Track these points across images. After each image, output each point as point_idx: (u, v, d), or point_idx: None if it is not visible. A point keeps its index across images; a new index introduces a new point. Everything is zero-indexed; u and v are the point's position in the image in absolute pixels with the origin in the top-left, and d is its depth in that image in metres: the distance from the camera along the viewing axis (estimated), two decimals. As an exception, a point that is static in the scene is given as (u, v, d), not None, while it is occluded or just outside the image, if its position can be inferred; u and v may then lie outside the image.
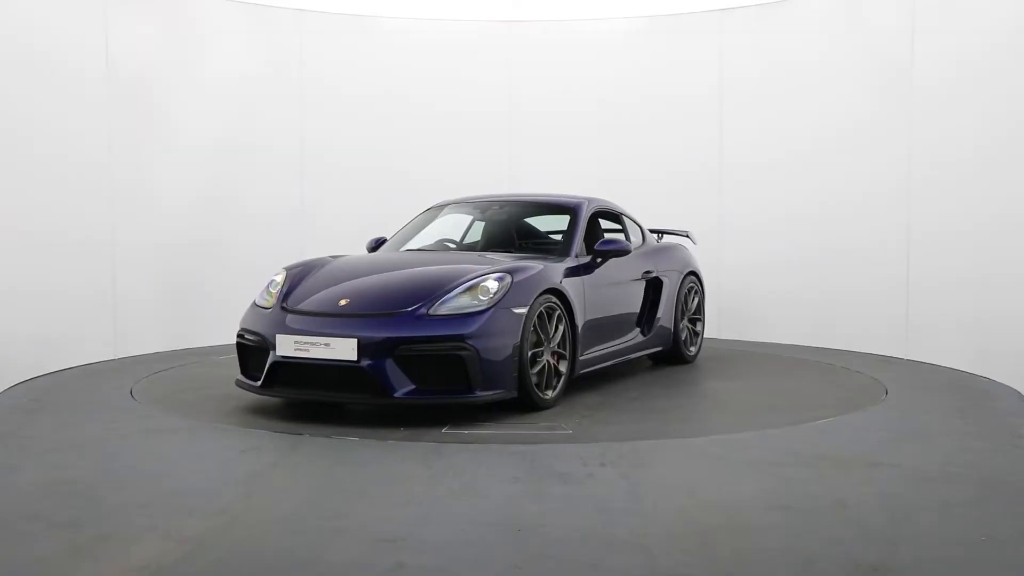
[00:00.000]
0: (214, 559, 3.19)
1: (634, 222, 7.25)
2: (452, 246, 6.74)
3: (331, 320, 5.30)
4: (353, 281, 5.70)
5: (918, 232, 7.69)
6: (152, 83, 8.09)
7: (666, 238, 7.76)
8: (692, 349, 7.44)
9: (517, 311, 5.28)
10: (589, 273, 6.14)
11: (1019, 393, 6.25)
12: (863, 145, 8.11)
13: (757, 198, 8.76)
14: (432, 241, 6.82)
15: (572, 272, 5.96)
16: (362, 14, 9.15)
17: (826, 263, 8.34)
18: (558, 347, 5.64)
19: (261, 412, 5.50)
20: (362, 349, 5.08)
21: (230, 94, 8.61)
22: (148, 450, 4.69)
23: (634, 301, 6.72)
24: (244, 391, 5.72)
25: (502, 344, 5.18)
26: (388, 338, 5.09)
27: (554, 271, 5.76)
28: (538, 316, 5.44)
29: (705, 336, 7.86)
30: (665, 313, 7.00)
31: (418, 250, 6.62)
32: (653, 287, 6.90)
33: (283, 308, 5.53)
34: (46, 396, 6.14)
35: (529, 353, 5.33)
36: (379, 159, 9.20)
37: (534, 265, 5.68)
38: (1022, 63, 6.95)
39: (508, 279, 5.36)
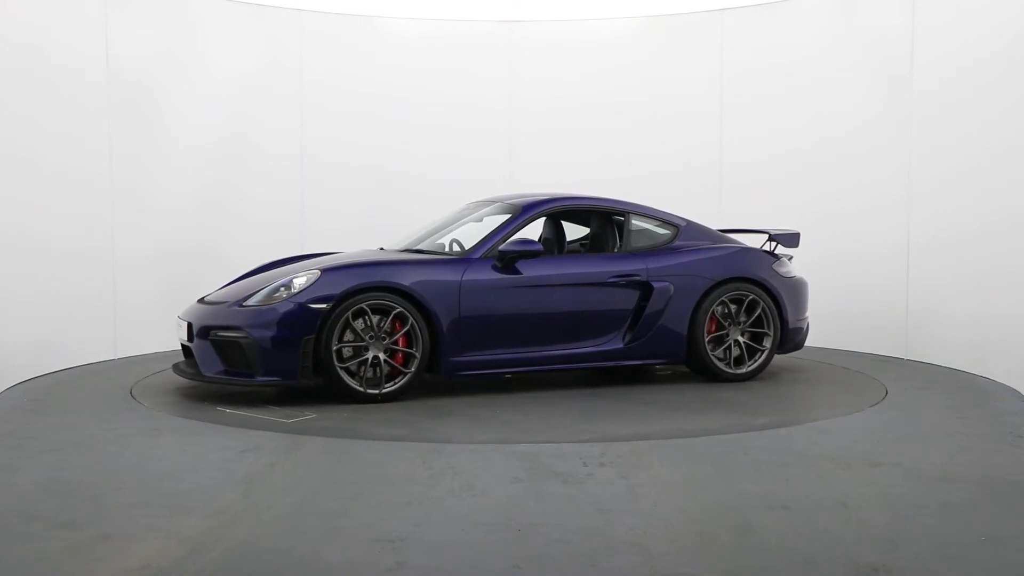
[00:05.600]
0: (214, 559, 3.19)
1: (665, 221, 6.81)
2: (457, 248, 6.71)
3: (198, 307, 6.12)
4: (254, 278, 6.38)
5: (918, 232, 7.68)
6: (152, 84, 8.06)
7: (727, 241, 7.11)
8: (742, 368, 6.58)
9: (316, 306, 5.66)
10: (487, 274, 6.07)
11: (1019, 393, 6.25)
12: (863, 145, 8.10)
13: (757, 198, 8.75)
14: (445, 240, 6.83)
15: (447, 272, 5.99)
16: (362, 14, 9.14)
17: (826, 263, 8.32)
18: (405, 345, 5.80)
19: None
20: (191, 332, 5.90)
21: (230, 94, 8.60)
22: (148, 450, 4.69)
23: (598, 304, 6.36)
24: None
25: (289, 336, 5.61)
26: (203, 324, 5.87)
27: (401, 271, 5.89)
28: (357, 313, 5.69)
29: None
30: (671, 321, 6.46)
31: (395, 250, 6.74)
32: (644, 292, 6.47)
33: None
34: (46, 396, 6.14)
35: (336, 348, 5.65)
36: (379, 159, 9.18)
37: (358, 263, 5.95)
38: (1022, 63, 6.94)
39: (316, 276, 5.76)
